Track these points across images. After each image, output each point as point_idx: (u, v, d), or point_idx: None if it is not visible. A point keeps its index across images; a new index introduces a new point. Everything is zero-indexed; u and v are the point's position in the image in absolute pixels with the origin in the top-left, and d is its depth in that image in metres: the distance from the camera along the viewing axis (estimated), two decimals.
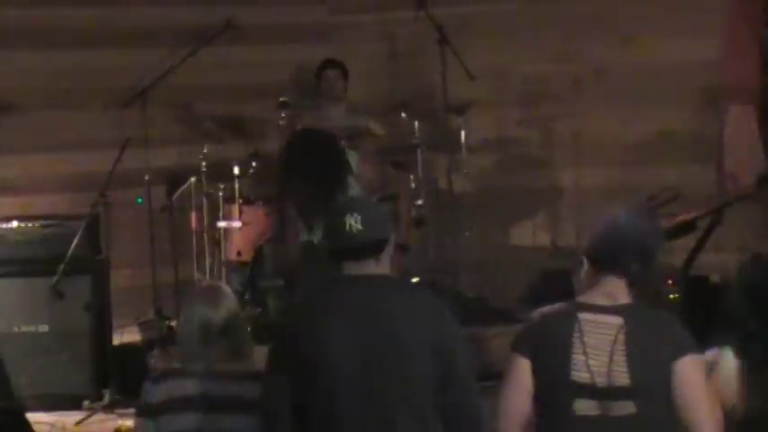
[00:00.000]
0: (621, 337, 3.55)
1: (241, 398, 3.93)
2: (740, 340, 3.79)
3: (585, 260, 3.69)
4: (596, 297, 3.65)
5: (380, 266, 3.67)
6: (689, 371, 3.55)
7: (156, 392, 3.99)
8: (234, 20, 7.50)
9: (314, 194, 6.24)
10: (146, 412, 4.01)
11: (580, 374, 3.55)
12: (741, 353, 3.78)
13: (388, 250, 3.70)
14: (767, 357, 3.79)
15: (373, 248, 3.65)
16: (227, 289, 4.22)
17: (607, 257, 3.65)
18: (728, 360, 3.78)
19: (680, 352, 3.55)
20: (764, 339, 3.80)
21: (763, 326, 3.83)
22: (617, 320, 3.58)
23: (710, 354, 3.80)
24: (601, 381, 3.53)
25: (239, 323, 4.08)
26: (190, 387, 3.95)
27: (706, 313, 5.77)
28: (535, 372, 3.62)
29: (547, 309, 3.75)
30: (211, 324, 3.98)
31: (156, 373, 4.11)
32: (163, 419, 3.95)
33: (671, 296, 6.25)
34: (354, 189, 6.54)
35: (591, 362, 3.54)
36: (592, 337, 3.57)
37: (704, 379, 3.59)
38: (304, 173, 6.38)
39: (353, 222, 3.59)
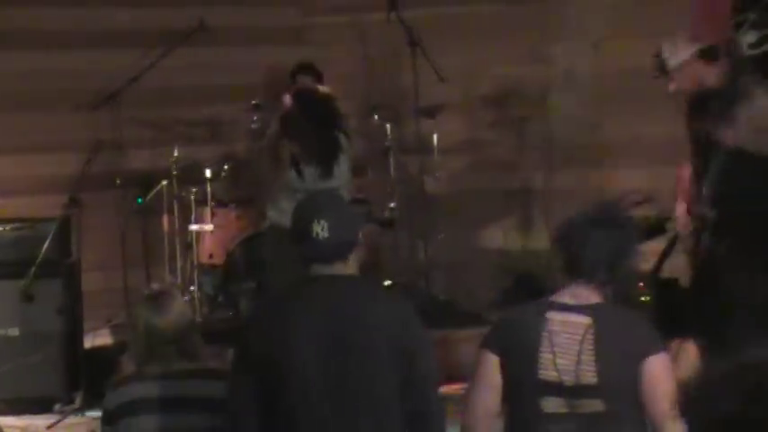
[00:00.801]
0: (590, 336, 3.57)
1: (196, 397, 3.96)
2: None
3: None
4: (566, 296, 3.67)
5: (348, 267, 3.69)
6: (656, 370, 3.57)
7: (113, 398, 4.02)
8: (206, 21, 7.48)
9: (319, 137, 6.21)
10: (105, 420, 4.06)
11: (548, 373, 3.57)
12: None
13: (356, 252, 3.72)
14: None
15: (339, 254, 3.67)
16: (174, 292, 4.26)
17: (577, 266, 3.67)
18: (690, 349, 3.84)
19: (647, 351, 3.57)
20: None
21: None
22: (585, 320, 3.59)
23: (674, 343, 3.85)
24: (568, 379, 3.55)
25: (187, 326, 4.08)
26: (145, 390, 3.97)
27: (676, 315, 5.83)
28: (504, 369, 3.64)
29: (517, 307, 3.78)
30: (158, 328, 3.99)
31: (115, 380, 4.14)
32: (121, 423, 3.97)
33: (642, 299, 6.29)
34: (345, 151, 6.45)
35: (558, 360, 3.56)
36: (560, 337, 3.59)
37: (671, 377, 3.62)
38: (314, 117, 6.30)
39: (320, 230, 3.60)
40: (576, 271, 3.66)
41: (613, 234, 3.66)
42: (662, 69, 5.79)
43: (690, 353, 3.86)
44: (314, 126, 6.23)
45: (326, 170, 6.17)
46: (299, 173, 6.09)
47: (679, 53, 5.78)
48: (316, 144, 6.18)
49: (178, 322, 4.03)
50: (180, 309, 4.10)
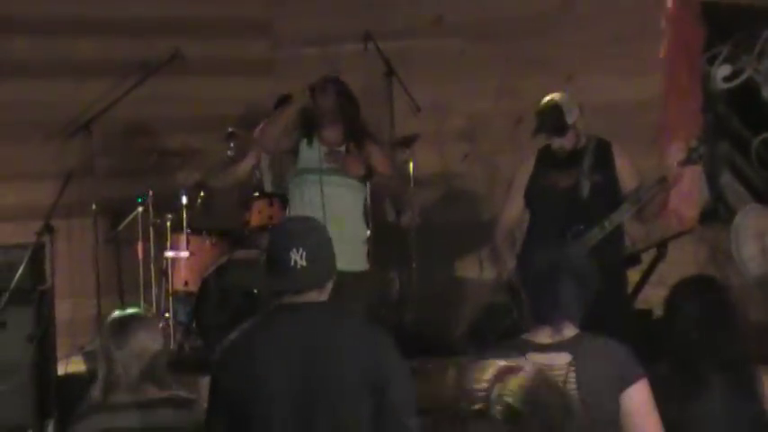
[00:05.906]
0: (572, 375, 3.58)
1: (164, 426, 3.92)
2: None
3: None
4: (542, 336, 3.68)
5: (321, 295, 3.66)
6: (636, 398, 3.61)
7: (78, 429, 3.96)
8: (179, 51, 7.50)
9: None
10: None
11: None
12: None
13: (332, 281, 3.69)
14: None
15: (318, 284, 3.63)
16: (139, 318, 4.11)
17: (547, 314, 3.69)
18: None
19: (626, 382, 3.61)
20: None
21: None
22: (565, 358, 3.61)
23: None
24: None
25: (153, 354, 3.99)
26: (111, 420, 3.92)
27: (649, 347, 5.86)
28: None
29: (494, 349, 3.77)
30: (118, 356, 3.94)
31: (80, 410, 4.05)
32: None
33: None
34: None
35: None
36: None
37: (651, 404, 3.65)
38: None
39: (298, 259, 3.54)
40: (546, 318, 3.68)
41: (578, 281, 3.70)
42: (562, 122, 5.87)
43: None
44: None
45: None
46: (310, 141, 6.03)
47: (573, 111, 5.90)
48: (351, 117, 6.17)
49: (142, 351, 3.95)
50: (144, 336, 3.98)
